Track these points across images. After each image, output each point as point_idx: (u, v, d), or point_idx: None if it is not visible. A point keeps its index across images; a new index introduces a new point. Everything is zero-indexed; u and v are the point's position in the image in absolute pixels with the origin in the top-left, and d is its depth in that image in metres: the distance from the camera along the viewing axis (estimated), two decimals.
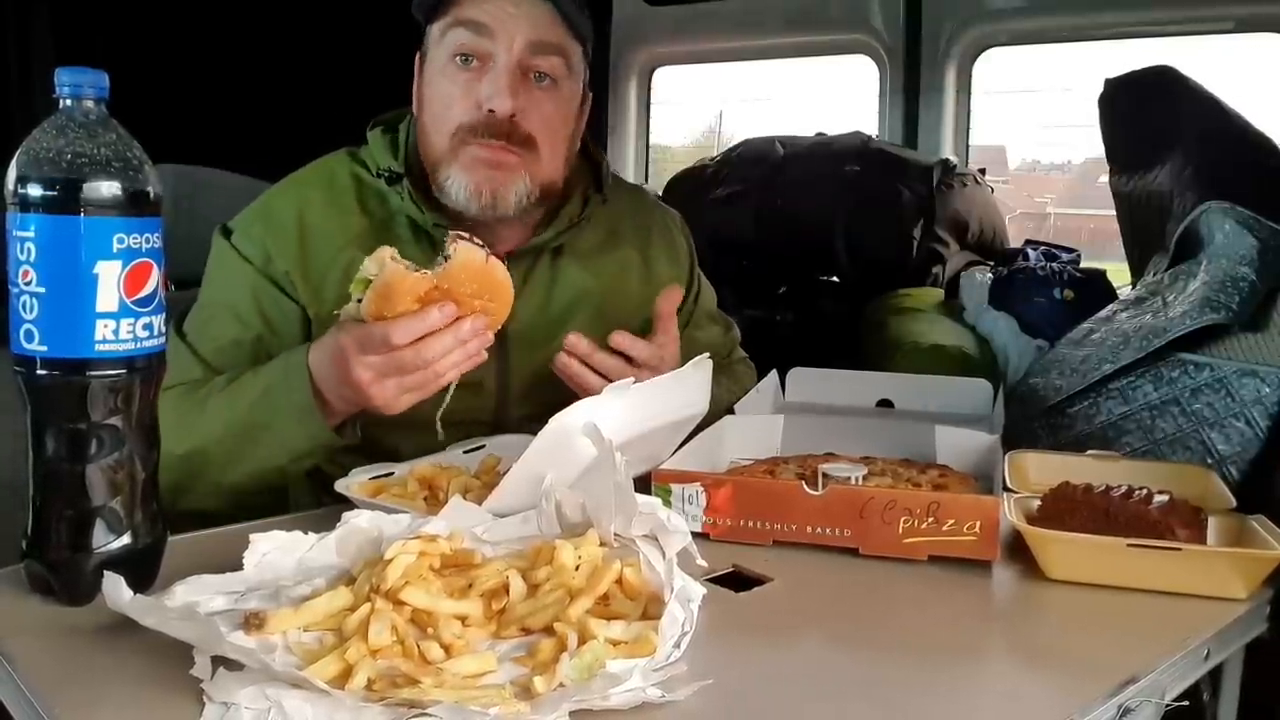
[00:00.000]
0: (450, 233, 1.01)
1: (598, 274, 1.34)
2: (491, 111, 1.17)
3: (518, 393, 1.27)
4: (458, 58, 1.18)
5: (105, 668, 0.73)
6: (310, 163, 1.30)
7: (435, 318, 0.98)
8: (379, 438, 1.16)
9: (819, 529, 0.98)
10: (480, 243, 1.01)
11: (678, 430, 1.09)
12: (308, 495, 1.22)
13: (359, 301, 1.00)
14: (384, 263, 0.98)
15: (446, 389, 1.06)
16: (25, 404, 0.80)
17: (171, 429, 1.09)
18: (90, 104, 0.78)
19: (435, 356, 1.00)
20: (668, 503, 1.00)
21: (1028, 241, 2.54)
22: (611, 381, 1.02)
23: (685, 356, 1.31)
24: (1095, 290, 2.21)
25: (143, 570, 0.83)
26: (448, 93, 1.19)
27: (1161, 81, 2.06)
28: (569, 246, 1.31)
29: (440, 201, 1.25)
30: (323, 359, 1.07)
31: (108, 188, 0.77)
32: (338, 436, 1.10)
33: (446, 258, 0.99)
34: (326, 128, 1.38)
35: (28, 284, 0.77)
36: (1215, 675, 0.97)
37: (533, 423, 1.02)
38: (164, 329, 0.83)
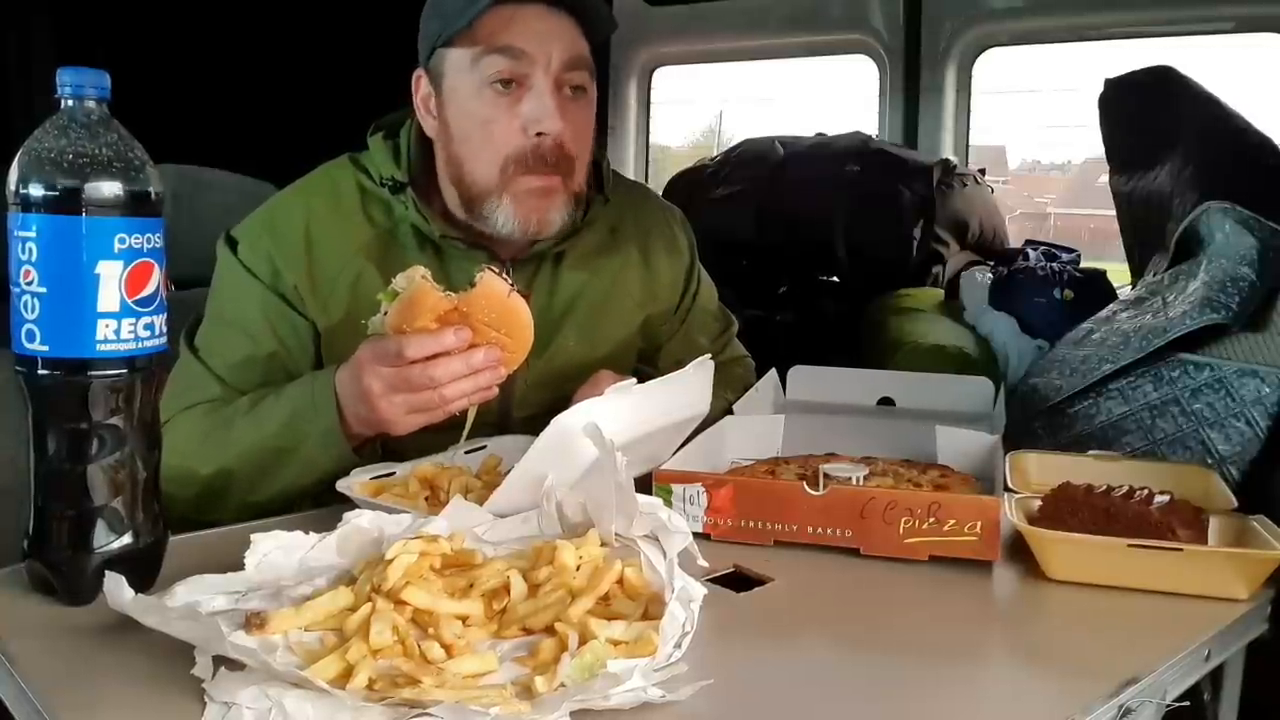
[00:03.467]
0: (482, 265, 1.03)
1: (597, 272, 1.34)
2: (539, 134, 1.17)
3: (521, 395, 1.27)
4: (496, 84, 1.17)
5: (106, 667, 0.73)
6: (313, 171, 1.29)
7: (449, 339, 0.99)
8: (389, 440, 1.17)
9: (820, 529, 0.99)
10: (509, 279, 1.02)
11: (679, 430, 1.09)
12: (308, 495, 1.22)
13: (384, 314, 1.02)
14: (413, 279, 1.00)
15: (465, 418, 1.07)
16: (26, 404, 0.80)
17: (196, 449, 1.11)
18: (92, 104, 0.78)
19: (443, 379, 1.00)
20: (669, 503, 1.00)
21: (1028, 241, 2.54)
22: None
23: (682, 354, 1.31)
24: (1095, 290, 2.21)
25: (144, 570, 0.83)
26: (488, 118, 1.18)
27: (1161, 81, 2.06)
28: (570, 250, 1.31)
29: (447, 210, 1.25)
30: (344, 375, 1.08)
31: (109, 188, 0.77)
32: (360, 460, 1.11)
33: (472, 285, 1.01)
34: (326, 128, 1.39)
35: (29, 284, 0.77)
36: (1216, 676, 0.97)
37: (535, 424, 1.03)
38: (165, 329, 0.83)
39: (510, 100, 1.17)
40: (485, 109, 1.18)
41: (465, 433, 1.09)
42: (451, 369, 1.00)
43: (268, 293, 1.21)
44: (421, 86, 1.24)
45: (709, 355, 1.09)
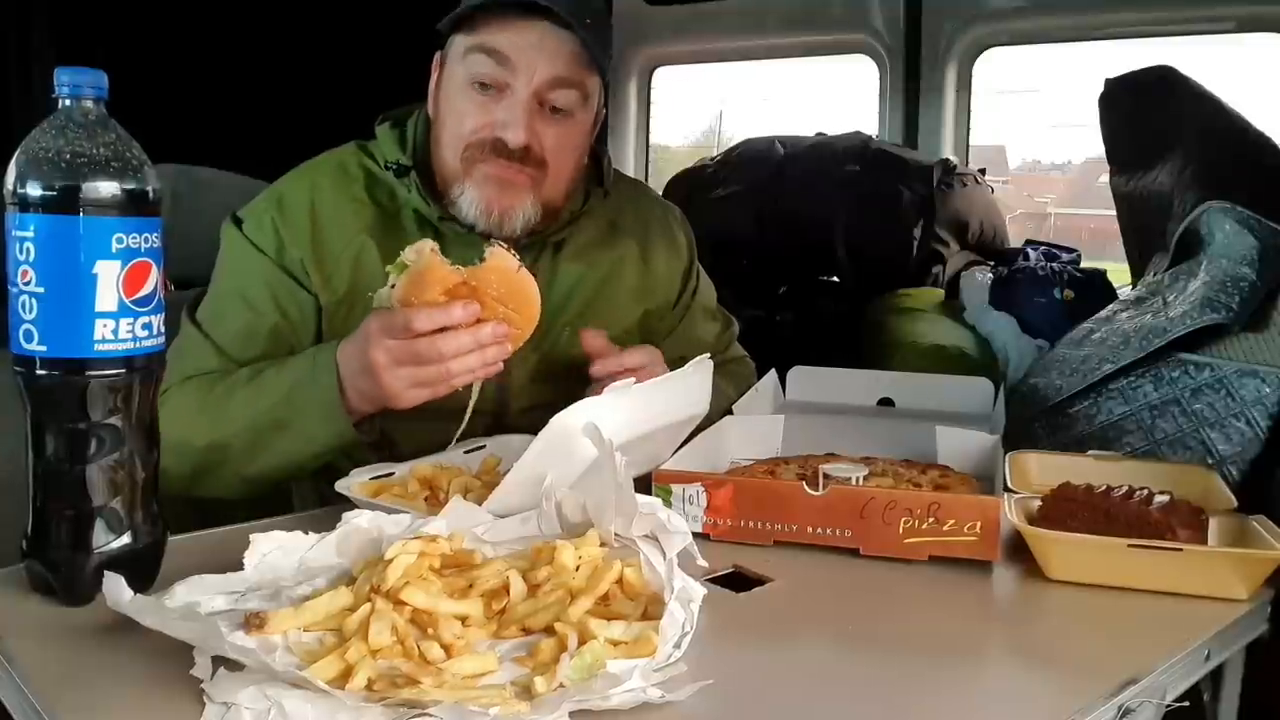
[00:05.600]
0: (491, 240, 1.05)
1: (595, 264, 1.35)
2: (500, 138, 1.19)
3: (519, 386, 1.28)
4: (476, 83, 1.20)
5: (105, 668, 0.73)
6: (320, 154, 1.32)
7: (458, 313, 1.01)
8: (390, 429, 1.17)
9: (820, 529, 0.98)
10: (515, 254, 1.04)
11: (679, 430, 1.09)
12: (312, 494, 1.22)
13: (392, 287, 1.03)
14: (423, 252, 1.02)
15: (468, 395, 1.08)
16: (25, 404, 0.80)
17: (192, 419, 1.11)
18: (89, 104, 0.78)
19: (450, 352, 1.01)
20: (668, 503, 1.00)
21: (1028, 241, 2.54)
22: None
23: (682, 350, 1.31)
24: (1095, 290, 2.21)
25: (143, 570, 0.83)
26: (463, 111, 1.21)
27: (1161, 81, 2.05)
28: (569, 240, 1.33)
29: (447, 197, 1.26)
30: (348, 349, 1.09)
31: (107, 188, 0.77)
32: (359, 433, 1.12)
33: (481, 260, 1.03)
34: (326, 127, 1.39)
35: (27, 284, 0.77)
36: (1216, 676, 0.97)
37: (533, 415, 1.05)
38: (163, 329, 0.83)
39: (487, 101, 1.20)
40: (463, 102, 1.21)
41: (466, 415, 1.11)
42: (459, 343, 1.01)
43: (272, 266, 1.23)
44: (436, 69, 1.27)
45: (708, 355, 1.09)
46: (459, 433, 1.13)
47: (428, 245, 1.03)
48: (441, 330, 1.01)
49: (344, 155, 1.30)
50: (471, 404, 1.10)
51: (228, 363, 1.20)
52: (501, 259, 1.03)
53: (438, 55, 1.27)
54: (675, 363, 1.11)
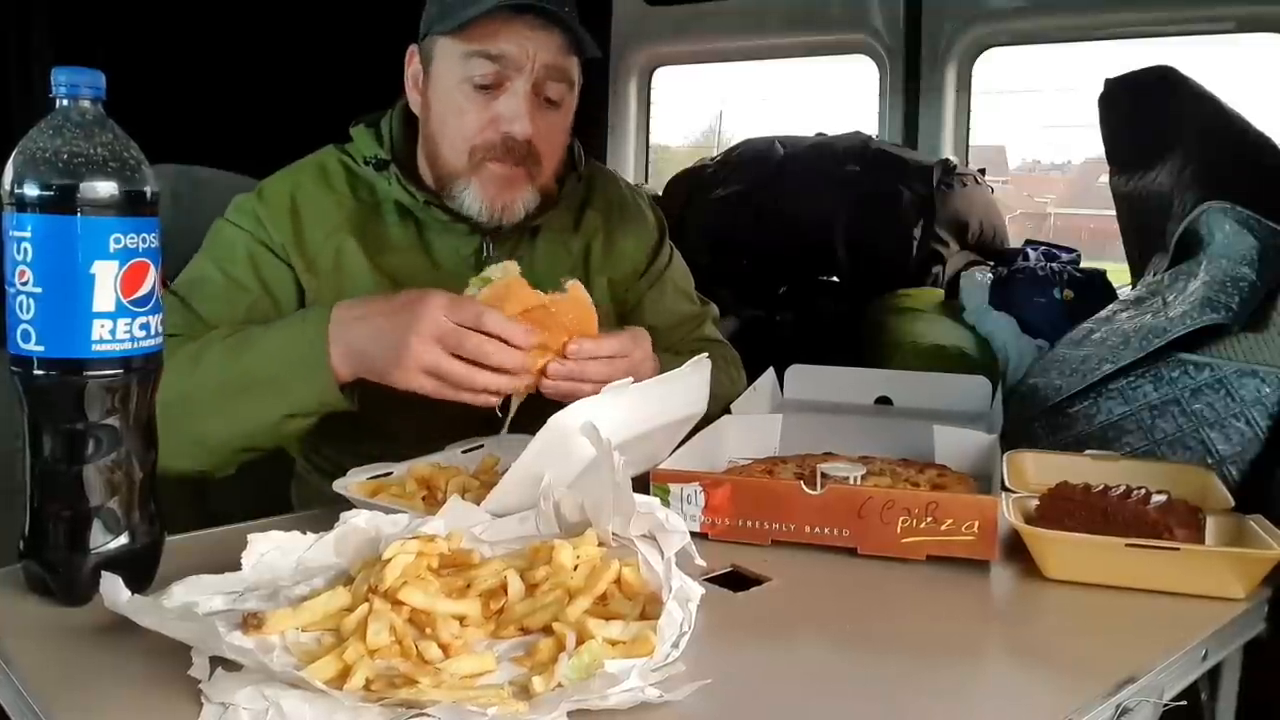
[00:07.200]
0: (567, 278, 1.12)
1: (568, 245, 1.39)
2: (507, 133, 1.22)
3: None
4: (477, 78, 1.22)
5: (103, 668, 0.73)
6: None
7: (520, 334, 1.04)
8: (379, 421, 1.17)
9: (817, 529, 0.98)
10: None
11: (677, 430, 1.09)
12: (315, 496, 1.22)
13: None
14: (509, 270, 1.08)
15: (508, 412, 1.10)
16: (22, 404, 0.80)
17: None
18: (87, 104, 0.78)
19: (492, 360, 1.03)
20: (666, 502, 1.00)
21: (1028, 241, 2.54)
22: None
23: (653, 319, 1.37)
24: (1095, 290, 2.21)
25: (140, 570, 0.83)
26: (462, 109, 1.24)
27: (1161, 81, 2.05)
28: (545, 226, 1.36)
29: (425, 183, 1.30)
30: (364, 303, 1.09)
31: (104, 187, 0.77)
32: (341, 397, 1.11)
33: (563, 293, 1.09)
34: (322, 127, 1.40)
35: (24, 284, 0.77)
36: (1213, 675, 0.97)
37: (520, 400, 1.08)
38: (161, 329, 0.83)
39: (487, 98, 1.23)
40: (463, 101, 1.23)
41: (507, 422, 1.12)
42: (503, 358, 1.03)
43: (253, 241, 1.25)
44: (413, 62, 1.30)
45: (706, 355, 1.09)
46: (503, 432, 1.14)
47: (514, 266, 1.09)
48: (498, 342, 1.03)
49: (323, 157, 1.33)
50: (512, 410, 1.11)
51: (204, 325, 1.19)
52: (579, 292, 1.10)
53: (413, 48, 1.29)
54: (650, 330, 1.15)
